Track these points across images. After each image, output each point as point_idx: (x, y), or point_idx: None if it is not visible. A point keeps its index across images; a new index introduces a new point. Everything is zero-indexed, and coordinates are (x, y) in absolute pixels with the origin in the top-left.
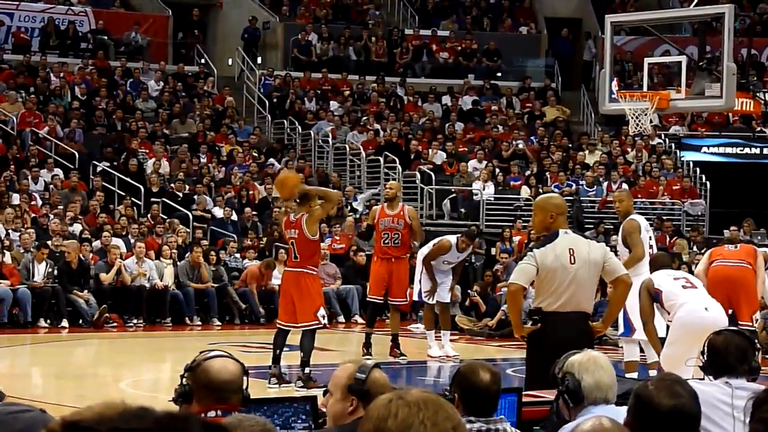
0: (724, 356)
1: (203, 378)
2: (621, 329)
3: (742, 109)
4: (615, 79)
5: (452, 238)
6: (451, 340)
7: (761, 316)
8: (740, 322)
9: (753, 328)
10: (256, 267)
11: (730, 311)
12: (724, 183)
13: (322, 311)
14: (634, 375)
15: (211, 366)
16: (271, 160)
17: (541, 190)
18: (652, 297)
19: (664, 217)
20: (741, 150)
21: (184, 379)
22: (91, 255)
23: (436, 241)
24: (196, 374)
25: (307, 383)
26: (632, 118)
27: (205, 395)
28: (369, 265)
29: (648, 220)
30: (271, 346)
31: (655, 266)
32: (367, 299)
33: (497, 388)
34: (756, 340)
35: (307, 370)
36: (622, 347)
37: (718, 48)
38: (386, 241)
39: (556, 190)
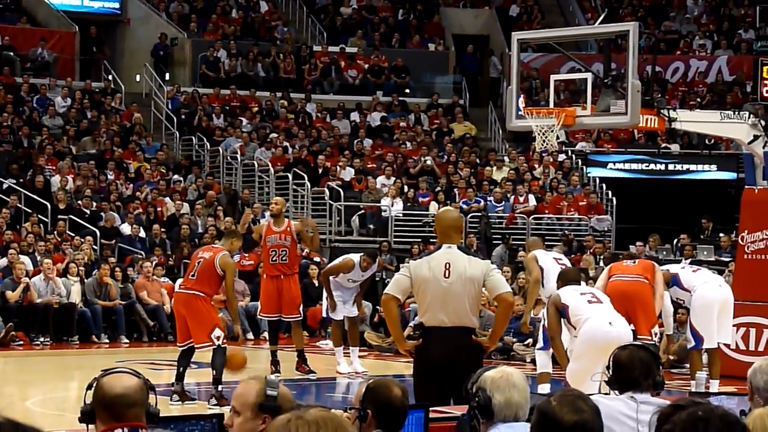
0: (629, 371)
1: (98, 394)
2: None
3: (647, 125)
4: (522, 95)
5: (356, 257)
6: (359, 356)
7: (661, 331)
8: (639, 336)
9: (654, 342)
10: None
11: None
12: (630, 199)
13: (217, 332)
14: (547, 387)
15: (105, 381)
16: (177, 176)
17: (449, 207)
18: (559, 312)
19: (570, 233)
20: (646, 166)
21: (86, 398)
22: None
23: (340, 259)
24: (95, 392)
25: (220, 401)
26: (539, 134)
27: (102, 412)
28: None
29: (554, 235)
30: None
31: (562, 282)
32: (258, 318)
33: (408, 404)
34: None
35: (219, 387)
36: (528, 362)
37: (623, 65)
38: (274, 259)
39: (465, 206)
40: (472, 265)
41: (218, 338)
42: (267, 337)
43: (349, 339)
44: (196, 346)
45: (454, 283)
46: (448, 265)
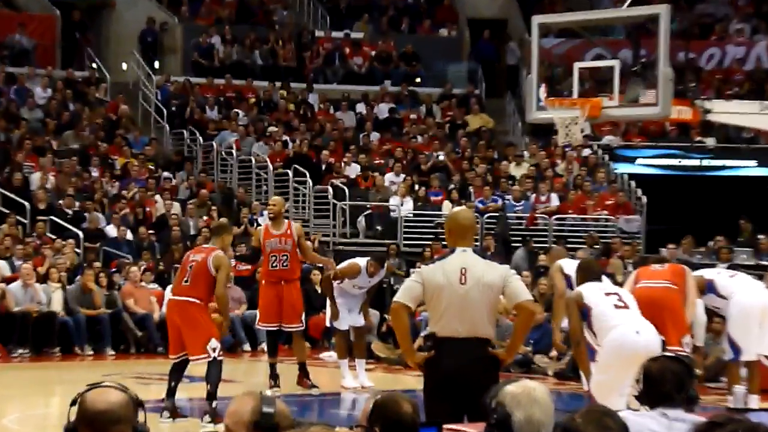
0: (661, 384)
1: (81, 411)
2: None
3: (680, 117)
4: (543, 85)
5: (362, 262)
6: (366, 370)
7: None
8: (669, 348)
9: (686, 353)
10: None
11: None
12: (661, 197)
13: (214, 343)
14: None
15: (88, 397)
16: (167, 173)
17: (464, 206)
18: (581, 313)
19: (597, 235)
20: (679, 162)
21: (70, 415)
22: None
23: (345, 263)
24: (78, 408)
25: (215, 418)
26: (561, 127)
27: (85, 429)
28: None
29: (579, 237)
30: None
31: (583, 275)
32: (256, 328)
33: (418, 421)
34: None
35: (214, 403)
36: (550, 375)
37: (653, 52)
38: (274, 264)
39: (481, 205)
40: (490, 269)
41: (215, 350)
42: (265, 349)
43: (355, 351)
44: (190, 358)
45: (470, 290)
46: (463, 270)
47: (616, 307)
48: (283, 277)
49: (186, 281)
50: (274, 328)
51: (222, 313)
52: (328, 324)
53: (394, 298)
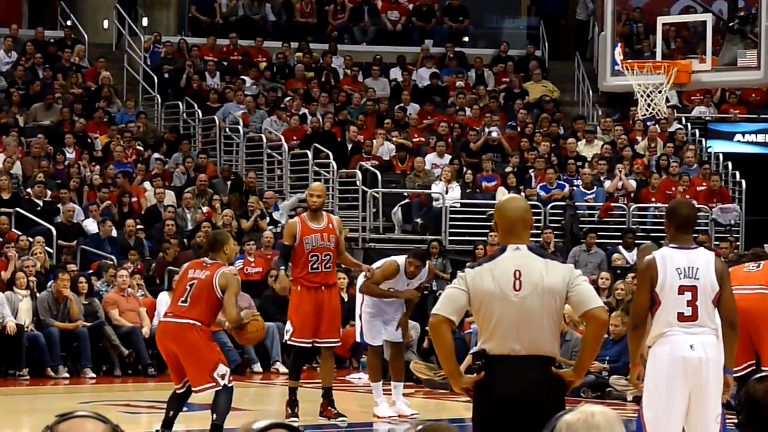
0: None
1: None
2: None
3: None
4: (619, 44)
5: (401, 260)
6: (404, 395)
7: None
8: (765, 368)
9: None
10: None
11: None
12: (765, 182)
13: (222, 368)
14: None
15: (59, 430)
16: (158, 155)
17: (523, 194)
18: (650, 292)
19: None
20: None
21: None
22: None
23: (381, 262)
24: None
25: None
26: (642, 96)
27: None
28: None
29: (662, 231)
30: (165, 406)
31: (675, 225)
32: (289, 343)
33: None
34: None
35: None
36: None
37: (755, 3)
38: (315, 266)
39: (544, 192)
40: (551, 271)
41: (223, 376)
42: (283, 369)
43: (391, 372)
44: (194, 389)
45: (528, 297)
46: (518, 273)
47: (680, 319)
48: (325, 281)
49: (184, 301)
50: (308, 345)
51: (240, 337)
52: (358, 339)
53: (434, 310)
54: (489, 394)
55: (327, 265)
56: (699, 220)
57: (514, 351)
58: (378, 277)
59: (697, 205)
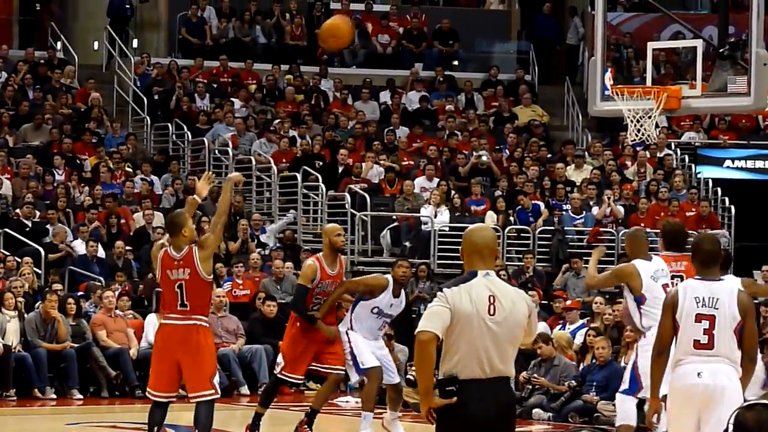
0: None
1: None
2: (625, 384)
3: None
4: (609, 69)
5: (390, 278)
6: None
7: None
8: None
9: None
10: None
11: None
12: (754, 208)
13: (217, 377)
14: None
15: None
16: (152, 177)
17: (512, 218)
18: (673, 320)
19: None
20: None
21: None
22: None
23: (370, 276)
24: None
25: None
26: (632, 121)
27: None
28: (280, 321)
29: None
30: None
31: (696, 258)
32: (280, 377)
33: None
34: None
35: None
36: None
37: (745, 29)
38: (316, 308)
39: (530, 217)
40: (518, 300)
41: (219, 383)
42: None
43: (388, 400)
44: (192, 395)
45: (501, 323)
46: (492, 298)
47: (696, 348)
48: (323, 321)
49: (184, 305)
50: (299, 381)
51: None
52: (353, 379)
53: (421, 327)
54: (464, 416)
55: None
56: (687, 246)
57: (485, 374)
58: (360, 284)
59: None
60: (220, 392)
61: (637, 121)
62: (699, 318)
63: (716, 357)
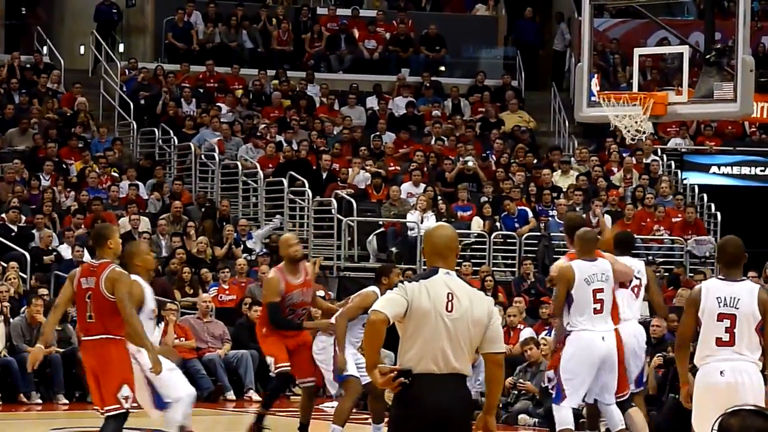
0: None
1: None
2: (554, 392)
3: (762, 116)
4: (596, 75)
5: (378, 290)
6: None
7: None
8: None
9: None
10: None
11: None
12: (740, 214)
13: (126, 390)
14: None
15: None
16: (138, 181)
17: (498, 223)
18: (695, 317)
19: (660, 259)
20: (761, 170)
21: None
22: None
23: (357, 295)
24: None
25: None
26: (621, 125)
27: None
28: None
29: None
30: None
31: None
32: (274, 373)
33: None
34: None
35: None
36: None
37: (731, 35)
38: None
39: (519, 223)
40: (477, 300)
41: (126, 399)
42: (257, 397)
43: (370, 410)
44: (101, 410)
45: (458, 320)
46: (450, 295)
47: (719, 343)
48: (298, 334)
49: (90, 318)
50: (287, 368)
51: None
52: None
53: (376, 307)
54: (417, 409)
55: (300, 319)
56: (674, 252)
57: (439, 369)
58: (353, 309)
59: (671, 237)
60: (127, 407)
61: (625, 127)
62: (721, 317)
63: (737, 355)
